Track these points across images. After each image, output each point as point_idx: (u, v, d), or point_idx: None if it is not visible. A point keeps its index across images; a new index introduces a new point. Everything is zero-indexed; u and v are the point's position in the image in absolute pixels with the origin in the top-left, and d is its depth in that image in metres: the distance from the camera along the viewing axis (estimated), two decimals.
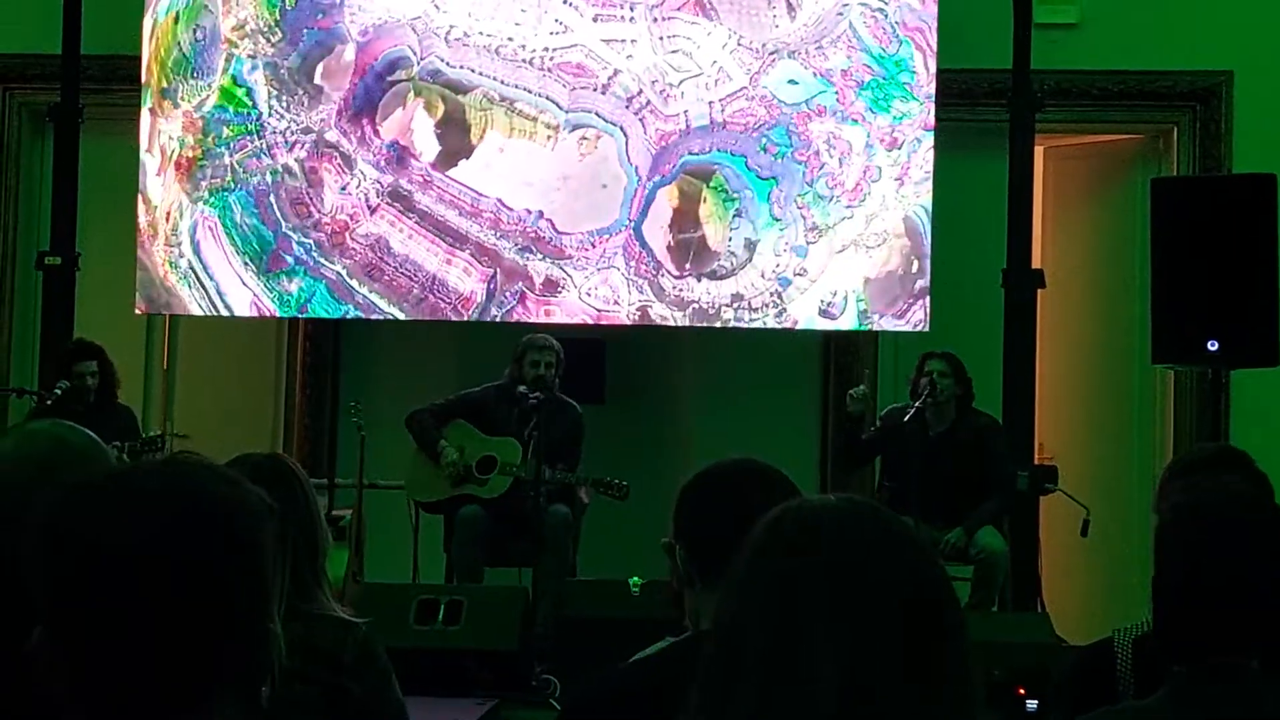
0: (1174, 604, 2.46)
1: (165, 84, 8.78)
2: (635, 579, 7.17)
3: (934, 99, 8.57)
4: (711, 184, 8.57)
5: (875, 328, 8.68)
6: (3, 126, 9.59)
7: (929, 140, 8.55)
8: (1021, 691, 6.40)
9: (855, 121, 8.57)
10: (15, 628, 1.55)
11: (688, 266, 8.58)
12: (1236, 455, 3.53)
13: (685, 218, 8.58)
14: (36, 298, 9.06)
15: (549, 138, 8.59)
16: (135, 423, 8.34)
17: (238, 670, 1.55)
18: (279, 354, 9.58)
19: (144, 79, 8.78)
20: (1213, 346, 7.35)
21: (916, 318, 8.56)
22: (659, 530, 2.84)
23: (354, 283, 8.66)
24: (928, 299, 8.54)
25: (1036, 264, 8.41)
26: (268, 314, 8.82)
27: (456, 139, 8.64)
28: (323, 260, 8.67)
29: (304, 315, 8.91)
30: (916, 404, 7.91)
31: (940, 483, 7.82)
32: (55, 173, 8.75)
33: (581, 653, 6.44)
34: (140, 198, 8.77)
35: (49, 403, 7.86)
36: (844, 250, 8.55)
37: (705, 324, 8.63)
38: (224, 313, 8.78)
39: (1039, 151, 8.90)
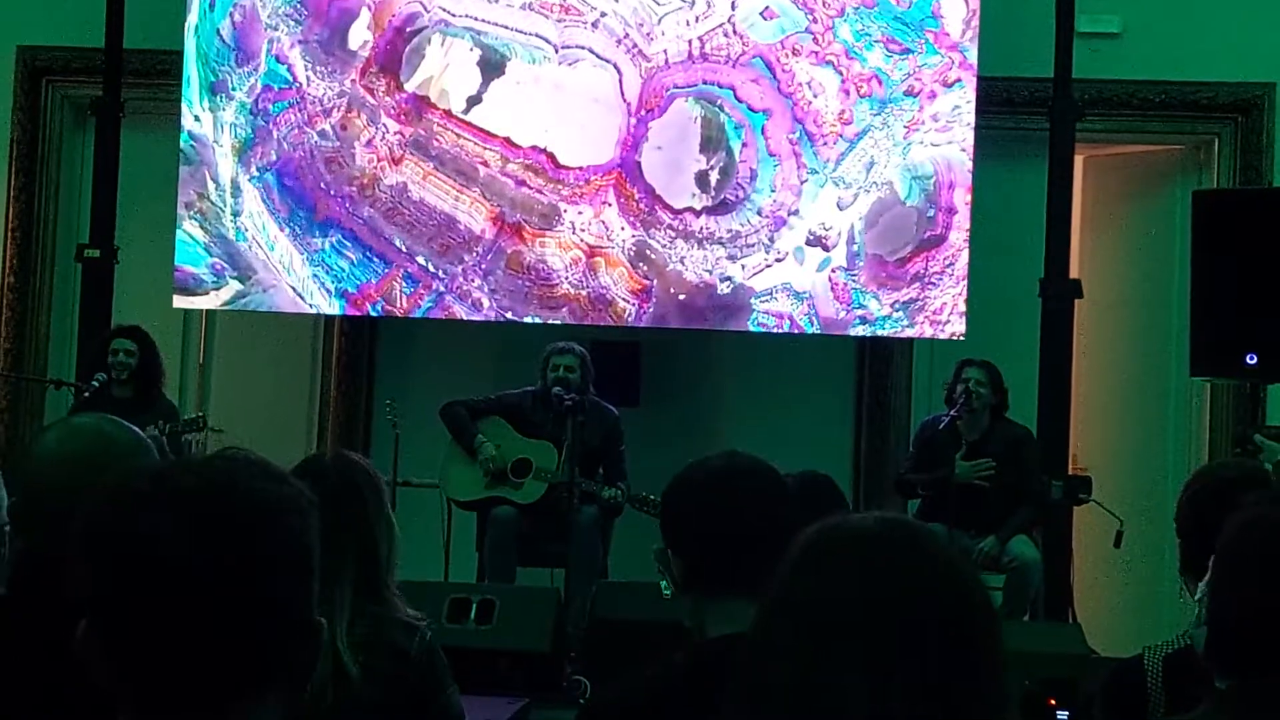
0: (1221, 617, 2.41)
1: (215, 77, 8.86)
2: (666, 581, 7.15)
3: (968, 49, 8.47)
4: (724, 111, 8.61)
5: (863, 281, 8.55)
6: (44, 119, 9.62)
7: (956, 93, 8.46)
8: (1052, 702, 6.39)
9: (829, 64, 8.54)
10: (64, 621, 1.57)
11: (712, 192, 8.60)
12: (1264, 473, 3.50)
13: (709, 143, 8.63)
14: (75, 290, 9.10)
15: (557, 70, 8.70)
16: (177, 417, 8.34)
17: (281, 663, 1.56)
18: (315, 351, 9.60)
19: (195, 77, 8.84)
20: (1251, 360, 7.31)
21: (915, 270, 8.51)
22: None
23: (378, 226, 8.78)
24: (936, 256, 8.49)
25: (1074, 274, 8.40)
26: (301, 280, 8.87)
27: (478, 78, 8.75)
28: (354, 213, 8.78)
29: (324, 310, 8.99)
30: (952, 412, 7.90)
31: (973, 491, 7.82)
32: (96, 166, 8.81)
33: (613, 654, 6.44)
34: (210, 182, 8.83)
35: (86, 394, 7.88)
36: (828, 186, 8.53)
37: (702, 252, 8.62)
38: (278, 277, 8.88)
39: (1078, 161, 8.88)
